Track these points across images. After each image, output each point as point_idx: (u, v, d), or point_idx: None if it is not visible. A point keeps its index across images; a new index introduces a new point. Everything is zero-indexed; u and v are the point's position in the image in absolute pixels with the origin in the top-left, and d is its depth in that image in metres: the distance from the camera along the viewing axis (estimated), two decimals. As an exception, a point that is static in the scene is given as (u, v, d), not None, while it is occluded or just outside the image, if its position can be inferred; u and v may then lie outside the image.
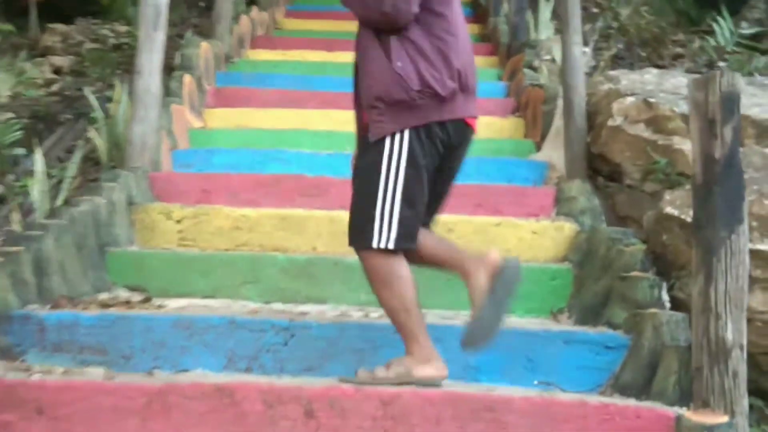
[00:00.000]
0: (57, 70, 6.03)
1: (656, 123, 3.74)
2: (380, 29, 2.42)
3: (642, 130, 3.79)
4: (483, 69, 6.37)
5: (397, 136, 2.42)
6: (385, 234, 2.41)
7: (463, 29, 2.57)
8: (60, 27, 6.56)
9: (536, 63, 5.72)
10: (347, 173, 2.73)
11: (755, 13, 10.29)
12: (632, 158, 3.86)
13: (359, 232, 2.46)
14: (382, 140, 2.43)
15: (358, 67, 2.55)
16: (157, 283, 3.42)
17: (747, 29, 6.12)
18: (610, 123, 3.93)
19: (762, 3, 10.29)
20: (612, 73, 4.38)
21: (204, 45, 5.54)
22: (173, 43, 6.70)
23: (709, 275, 2.24)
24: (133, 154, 4.14)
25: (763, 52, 5.65)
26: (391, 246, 2.41)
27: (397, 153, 2.42)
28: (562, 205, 3.89)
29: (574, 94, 4.15)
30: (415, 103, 2.38)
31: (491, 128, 5.07)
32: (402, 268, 2.45)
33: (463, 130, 2.58)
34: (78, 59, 6.18)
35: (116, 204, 3.61)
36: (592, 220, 3.70)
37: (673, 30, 7.72)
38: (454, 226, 3.72)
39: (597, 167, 4.13)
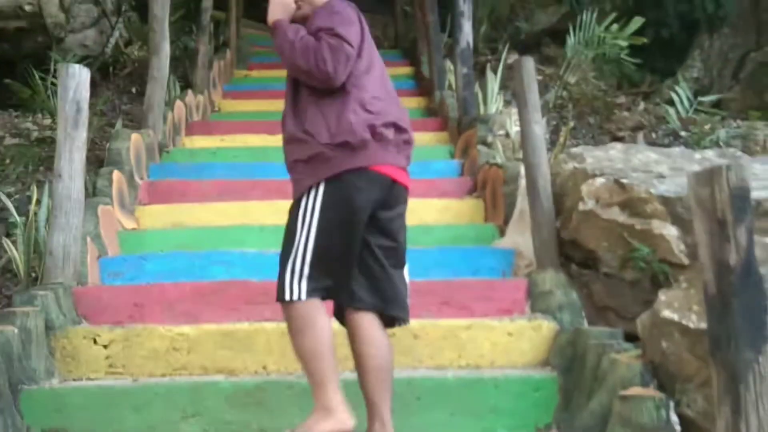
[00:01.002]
0: (-27, 170, 5.53)
1: (632, 206, 3.44)
2: (313, 86, 2.50)
3: (617, 214, 3.49)
4: (432, 146, 6.10)
5: (313, 190, 2.47)
6: (296, 286, 2.47)
7: (384, 82, 2.62)
8: (-23, 123, 6.09)
9: (490, 138, 5.45)
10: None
11: (693, 71, 10.34)
12: (608, 244, 3.55)
13: (278, 286, 2.52)
14: (301, 197, 2.51)
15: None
16: (81, 424, 2.94)
17: (706, 97, 5.96)
18: (580, 207, 3.62)
19: (698, 62, 10.34)
20: (575, 150, 4.10)
21: (134, 137, 5.13)
22: (104, 133, 6.31)
23: (737, 407, 1.88)
24: (53, 267, 3.68)
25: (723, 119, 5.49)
26: (303, 297, 2.46)
27: (311, 205, 2.48)
28: (536, 300, 3.53)
29: (538, 175, 3.85)
30: (326, 155, 2.43)
31: (449, 212, 4.74)
32: (319, 316, 2.48)
33: (389, 186, 2.60)
34: (-2, 156, 5.70)
35: (32, 332, 3.13)
36: (572, 316, 3.36)
37: (619, 94, 7.63)
38: (420, 332, 3.34)
39: (569, 254, 3.80)
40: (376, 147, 2.49)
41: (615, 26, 7.81)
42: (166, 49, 5.73)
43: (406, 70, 9.01)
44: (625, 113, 7.08)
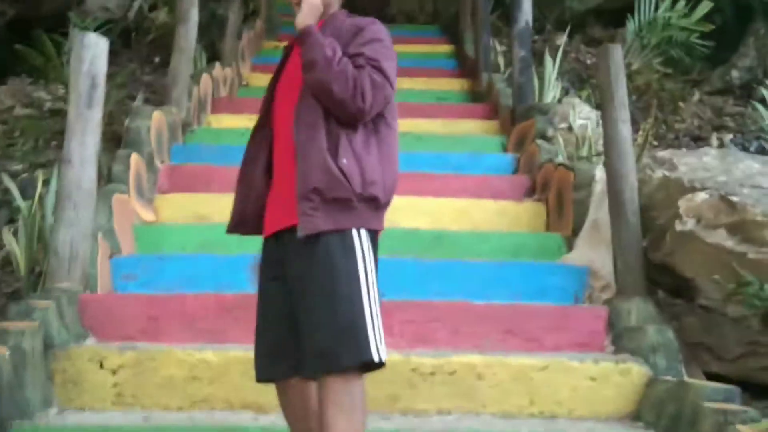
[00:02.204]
0: (-21, 143, 5.04)
1: (744, 230, 2.89)
2: (337, 114, 2.10)
3: (724, 238, 2.94)
4: (481, 136, 5.54)
5: (354, 232, 2.10)
6: (382, 345, 2.04)
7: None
8: (-14, 89, 5.59)
9: (550, 132, 4.87)
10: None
11: (746, 61, 9.63)
12: (709, 272, 3.00)
13: (355, 344, 2.00)
14: (344, 234, 2.08)
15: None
16: (81, 470, 2.45)
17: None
18: (677, 227, 3.06)
19: (752, 50, 9.62)
20: (662, 155, 3.54)
21: (156, 115, 4.60)
22: (123, 106, 5.79)
23: None
24: (58, 268, 3.18)
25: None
26: (384, 357, 2.04)
27: (362, 249, 2.09)
28: (621, 336, 2.99)
29: (623, 185, 3.29)
30: (352, 204, 2.09)
31: (505, 216, 4.19)
32: None
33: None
34: (6, 128, 5.20)
35: (27, 354, 2.62)
36: (668, 360, 2.82)
37: (685, 88, 7.00)
38: (485, 370, 2.81)
39: (657, 279, 3.25)
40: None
41: (680, 7, 7.19)
42: (194, 16, 5.20)
43: (446, 48, 8.41)
44: (693, 107, 6.49)
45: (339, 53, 2.08)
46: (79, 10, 6.84)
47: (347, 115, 2.08)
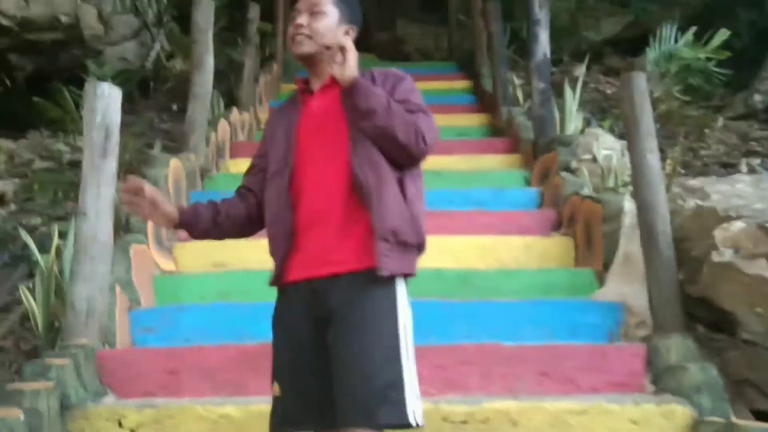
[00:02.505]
0: (-1, 197, 5.03)
1: (785, 259, 2.75)
2: (397, 158, 2.10)
3: (764, 268, 2.80)
4: (504, 171, 5.44)
5: (403, 281, 2.09)
6: (419, 405, 1.99)
7: None
8: (6, 144, 5.59)
9: (574, 164, 4.76)
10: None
11: (767, 84, 9.46)
12: (751, 305, 2.86)
13: (389, 403, 1.93)
14: (392, 281, 2.06)
15: (355, 177, 2.08)
16: None
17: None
18: (714, 258, 2.93)
19: (774, 75, 9.42)
20: (693, 183, 3.42)
21: (173, 163, 4.56)
22: (141, 155, 5.77)
23: None
24: (75, 324, 3.10)
25: None
26: (421, 421, 1.98)
27: (404, 301, 2.07)
28: (661, 375, 2.84)
29: (655, 217, 3.16)
30: (412, 248, 2.10)
31: (532, 252, 4.06)
32: None
33: None
34: (25, 182, 5.18)
35: (43, 416, 2.53)
36: (714, 400, 2.66)
37: (708, 114, 6.88)
38: (519, 416, 2.68)
39: (695, 312, 3.11)
40: None
41: (691, 36, 7.12)
42: (209, 62, 5.18)
43: (463, 83, 8.37)
44: (717, 133, 6.36)
45: (392, 101, 2.08)
46: (97, 61, 6.89)
47: (410, 158, 2.11)
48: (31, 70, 6.81)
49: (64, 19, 6.77)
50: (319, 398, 2.03)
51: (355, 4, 2.26)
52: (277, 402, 2.12)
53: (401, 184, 2.11)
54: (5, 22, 6.26)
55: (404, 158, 2.09)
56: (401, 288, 2.07)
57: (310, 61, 2.20)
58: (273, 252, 2.16)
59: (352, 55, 2.04)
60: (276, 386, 2.11)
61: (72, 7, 6.67)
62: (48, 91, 6.27)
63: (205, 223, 2.22)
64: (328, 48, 2.08)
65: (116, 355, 3.06)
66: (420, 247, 2.11)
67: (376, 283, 2.02)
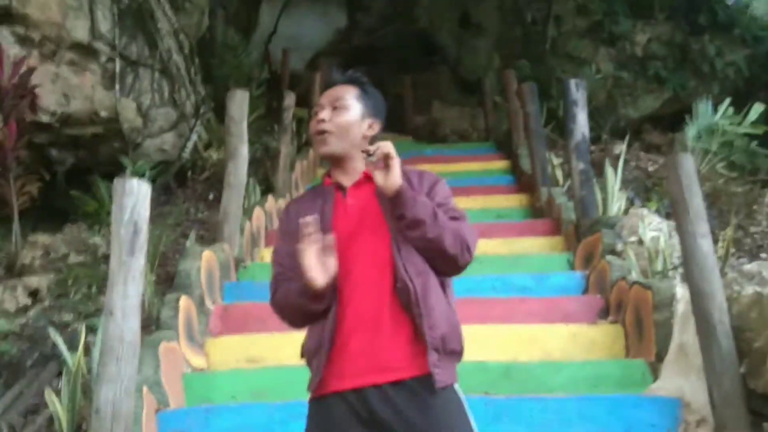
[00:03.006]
0: (33, 293, 4.97)
1: None
2: (441, 267, 2.05)
3: (836, 363, 2.56)
4: (547, 254, 5.26)
5: (458, 387, 2.04)
6: None
7: None
8: (42, 238, 5.58)
9: (619, 246, 4.58)
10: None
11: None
12: (823, 402, 2.61)
13: None
14: (454, 392, 2.02)
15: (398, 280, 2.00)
16: None
17: None
18: (780, 350, 2.70)
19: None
20: (749, 268, 3.21)
21: (206, 254, 4.48)
22: (177, 246, 5.72)
23: None
24: (100, 429, 2.96)
25: None
26: None
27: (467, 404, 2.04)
28: (729, 482, 2.60)
29: (711, 306, 2.96)
30: (458, 356, 2.06)
31: (578, 341, 3.86)
32: None
33: None
34: (60, 277, 5.14)
35: None
36: None
37: (754, 189, 6.65)
38: None
39: (760, 409, 2.86)
40: None
41: (729, 110, 6.97)
42: (243, 153, 5.17)
43: (501, 164, 8.28)
44: (766, 209, 6.12)
45: (438, 210, 2.03)
46: (135, 154, 6.95)
47: (456, 268, 2.05)
48: (70, 165, 6.87)
49: (103, 113, 6.86)
50: None
51: (379, 98, 2.19)
52: None
53: (443, 289, 2.05)
54: (46, 118, 6.35)
55: (450, 267, 2.05)
56: (460, 390, 2.02)
57: (338, 160, 2.11)
58: (310, 359, 2.04)
59: (397, 162, 1.97)
60: None
61: (111, 102, 6.77)
62: (87, 184, 6.30)
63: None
64: (369, 154, 1.99)
65: (142, 463, 2.91)
66: (462, 354, 2.07)
67: (437, 389, 1.96)
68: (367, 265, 2.03)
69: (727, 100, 6.95)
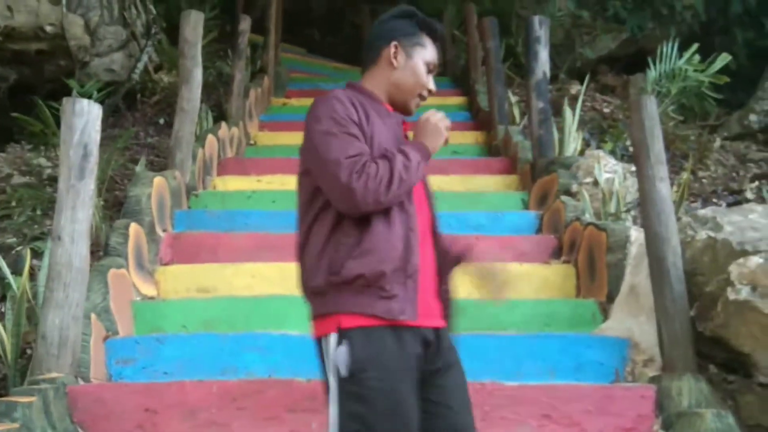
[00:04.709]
0: (-26, 214, 4.80)
1: (807, 299, 2.58)
2: None
3: (784, 308, 2.62)
4: (501, 192, 5.26)
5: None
6: None
7: None
8: (-17, 158, 5.37)
9: (574, 187, 4.60)
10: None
11: (764, 104, 9.36)
12: (768, 346, 2.68)
13: None
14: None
15: None
16: None
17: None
18: (730, 295, 2.75)
19: (770, 93, 9.32)
20: (703, 213, 3.24)
21: (157, 181, 4.36)
22: (126, 170, 5.57)
23: None
24: (46, 355, 2.90)
25: None
26: None
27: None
28: (673, 421, 2.66)
29: (665, 250, 2.99)
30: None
31: (531, 281, 3.88)
32: None
33: None
34: (3, 198, 4.97)
35: (4, 462, 2.33)
36: (731, 451, 2.48)
37: (703, 135, 6.74)
38: (522, 466, 2.48)
39: (707, 352, 2.93)
40: None
41: (695, 56, 6.99)
42: (197, 77, 5.00)
43: (458, 100, 8.20)
44: (715, 154, 6.21)
45: None
46: (82, 73, 6.68)
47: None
48: (14, 81, 6.59)
49: (49, 29, 6.56)
50: None
51: None
52: None
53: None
54: (-12, 31, 6.06)
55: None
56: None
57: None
58: (394, 284, 1.87)
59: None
60: None
61: (58, 17, 6.47)
62: (30, 104, 6.06)
63: None
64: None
65: (89, 391, 2.85)
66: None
67: None
68: (422, 207, 2.03)
69: (695, 46, 6.96)
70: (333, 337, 1.86)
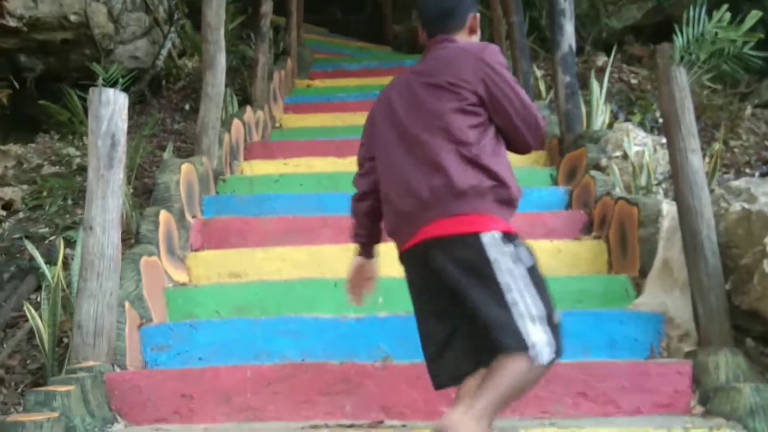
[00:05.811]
0: (7, 205, 4.86)
1: None
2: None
3: (823, 280, 2.57)
4: (528, 168, 5.20)
5: None
6: None
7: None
8: (14, 149, 5.43)
9: (604, 161, 4.54)
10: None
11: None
12: (807, 319, 2.63)
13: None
14: None
15: None
16: None
17: None
18: (767, 267, 2.70)
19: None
20: (737, 184, 3.18)
21: (185, 167, 4.37)
22: (154, 158, 5.60)
23: None
24: (82, 344, 2.94)
25: None
26: None
27: None
28: (710, 397, 2.63)
29: (699, 222, 2.94)
30: None
31: (562, 257, 3.84)
32: None
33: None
34: (34, 188, 5.03)
35: (44, 452, 2.37)
36: (771, 426, 2.45)
37: (733, 103, 6.60)
38: (559, 445, 2.47)
39: (744, 325, 2.89)
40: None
41: (725, 16, 6.80)
42: (221, 62, 4.99)
43: (483, 75, 8.10)
44: (747, 123, 6.09)
45: None
46: (107, 61, 6.72)
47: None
48: (40, 72, 6.64)
49: (73, 18, 6.59)
50: None
51: None
52: None
53: None
54: (13, 23, 6.09)
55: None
56: None
57: None
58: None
59: None
60: None
61: (81, 5, 6.50)
62: (58, 93, 6.11)
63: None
64: None
65: (125, 378, 2.88)
66: None
67: None
68: None
69: (724, 6, 6.79)
70: (498, 234, 2.17)
